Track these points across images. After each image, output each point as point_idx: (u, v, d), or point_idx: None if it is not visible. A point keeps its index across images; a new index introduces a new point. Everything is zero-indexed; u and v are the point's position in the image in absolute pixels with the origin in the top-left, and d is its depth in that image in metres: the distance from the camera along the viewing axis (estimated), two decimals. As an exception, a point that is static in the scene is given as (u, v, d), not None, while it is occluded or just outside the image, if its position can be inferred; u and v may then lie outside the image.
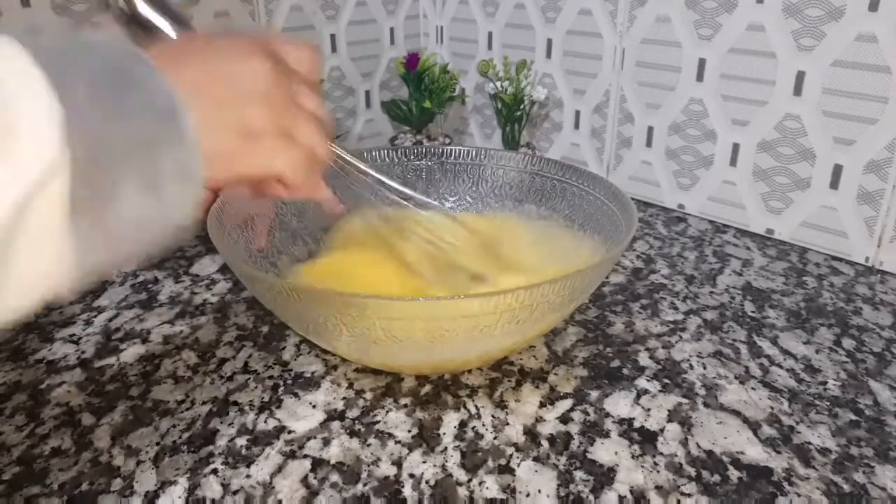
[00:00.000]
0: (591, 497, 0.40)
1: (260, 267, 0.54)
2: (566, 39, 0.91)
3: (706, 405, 0.48)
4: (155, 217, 0.29)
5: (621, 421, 0.47)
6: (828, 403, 0.49)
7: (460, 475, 0.42)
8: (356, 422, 0.46)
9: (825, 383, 0.51)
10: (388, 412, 0.47)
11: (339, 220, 0.63)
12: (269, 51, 0.36)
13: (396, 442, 0.45)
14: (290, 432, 0.45)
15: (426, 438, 0.45)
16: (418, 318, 0.42)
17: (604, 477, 0.42)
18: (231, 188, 0.43)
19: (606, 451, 0.44)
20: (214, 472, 0.42)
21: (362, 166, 0.54)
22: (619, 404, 0.48)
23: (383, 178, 0.56)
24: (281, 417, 0.47)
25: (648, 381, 0.51)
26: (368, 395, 0.49)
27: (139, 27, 0.46)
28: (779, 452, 0.44)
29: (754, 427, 0.46)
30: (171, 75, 0.29)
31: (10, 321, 0.26)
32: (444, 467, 0.42)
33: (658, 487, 0.41)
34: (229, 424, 0.46)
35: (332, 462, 0.43)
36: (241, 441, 0.45)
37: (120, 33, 0.44)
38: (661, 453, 0.44)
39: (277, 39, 0.39)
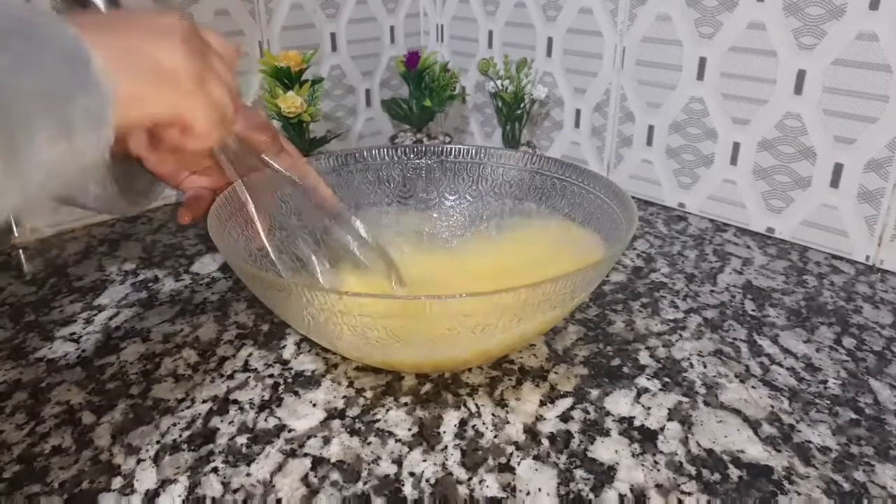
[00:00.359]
0: (592, 495, 0.40)
1: (260, 266, 0.54)
2: (567, 38, 0.91)
3: (706, 404, 0.48)
4: (67, 161, 0.30)
5: (621, 419, 0.47)
6: (828, 402, 0.49)
7: (460, 474, 0.42)
8: (356, 420, 0.46)
9: (825, 382, 0.51)
10: (388, 411, 0.47)
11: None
12: (189, 23, 0.37)
13: (397, 440, 0.45)
14: (290, 431, 0.45)
15: (426, 437, 0.45)
16: (420, 318, 0.42)
17: (604, 475, 0.42)
18: (137, 131, 0.43)
19: (607, 450, 0.44)
20: (215, 470, 0.42)
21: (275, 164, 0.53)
22: (620, 403, 0.48)
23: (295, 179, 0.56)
24: (281, 416, 0.47)
25: (649, 379, 0.51)
26: (369, 394, 0.49)
27: (74, 2, 0.47)
28: (779, 451, 0.44)
29: (754, 426, 0.46)
30: (81, 28, 0.30)
31: None
32: (444, 466, 0.42)
33: (658, 486, 0.41)
34: (229, 423, 0.46)
35: (333, 460, 0.43)
36: (242, 439, 0.45)
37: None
38: (662, 452, 0.44)
39: (200, 25, 0.40)
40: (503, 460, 0.43)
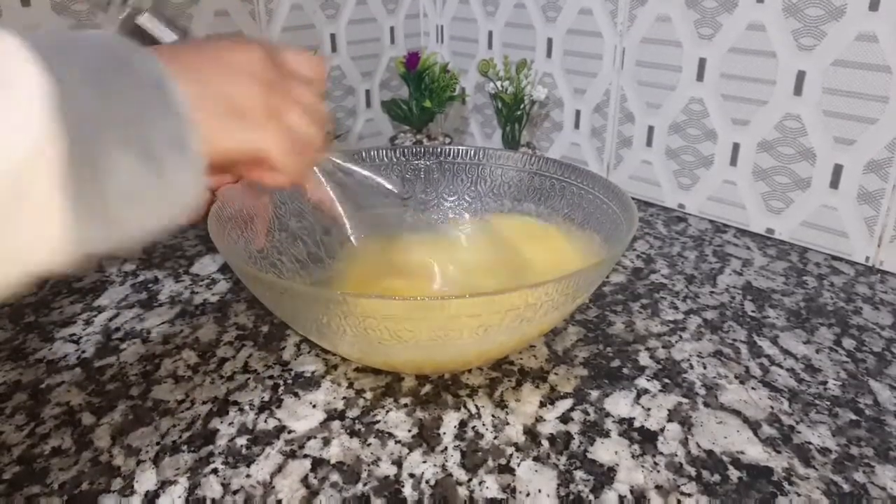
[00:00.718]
0: (591, 497, 0.40)
1: (260, 267, 0.54)
2: (566, 39, 0.91)
3: (706, 405, 0.48)
4: (155, 190, 0.29)
5: (621, 420, 0.47)
6: (828, 403, 0.49)
7: (460, 475, 0.42)
8: (356, 421, 0.46)
9: (825, 383, 0.51)
10: (388, 412, 0.47)
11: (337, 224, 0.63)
12: (267, 48, 0.37)
13: (396, 441, 0.45)
14: (290, 432, 0.45)
15: (426, 438, 0.45)
16: (423, 319, 0.42)
17: (604, 477, 0.42)
18: (219, 172, 0.43)
19: (606, 451, 0.44)
20: (214, 471, 0.42)
21: (362, 171, 0.53)
22: (620, 404, 0.48)
23: (382, 182, 0.56)
24: (281, 417, 0.47)
25: (648, 380, 0.51)
26: (368, 395, 0.49)
27: (140, 38, 0.46)
28: (779, 452, 0.44)
29: (754, 427, 0.46)
30: (164, 59, 0.30)
31: (4, 293, 0.26)
32: (444, 467, 0.42)
33: (658, 487, 0.41)
34: (229, 424, 0.46)
35: (333, 462, 0.43)
36: (242, 441, 0.45)
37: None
38: (662, 453, 0.44)
39: (283, 46, 0.39)
40: (503, 461, 0.43)
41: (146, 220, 0.30)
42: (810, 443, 0.45)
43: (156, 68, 0.30)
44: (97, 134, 0.26)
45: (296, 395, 0.49)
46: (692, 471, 0.42)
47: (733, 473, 0.42)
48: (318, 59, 0.42)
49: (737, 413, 0.48)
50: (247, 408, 0.48)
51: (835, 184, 0.70)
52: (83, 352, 0.55)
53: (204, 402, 0.48)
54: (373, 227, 0.61)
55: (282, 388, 0.50)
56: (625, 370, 0.52)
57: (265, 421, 0.46)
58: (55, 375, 0.51)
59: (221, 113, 0.33)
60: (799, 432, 0.46)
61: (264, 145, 0.36)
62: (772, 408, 0.48)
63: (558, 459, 0.43)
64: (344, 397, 0.49)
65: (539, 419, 0.47)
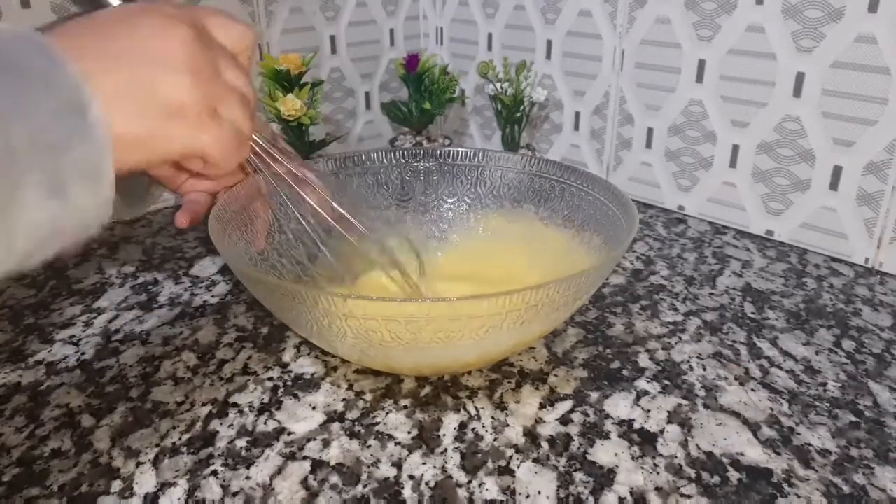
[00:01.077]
0: (591, 498, 0.40)
1: (260, 269, 0.54)
2: (566, 41, 0.91)
3: (706, 406, 0.48)
4: (61, 220, 0.27)
5: (621, 422, 0.47)
6: (827, 405, 0.49)
7: (460, 477, 0.42)
8: (356, 423, 0.46)
9: (825, 384, 0.51)
10: (387, 413, 0.47)
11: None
12: (192, 22, 0.34)
13: (396, 443, 0.45)
14: (289, 434, 0.45)
15: (426, 440, 0.45)
16: (424, 320, 0.42)
17: (604, 478, 0.42)
18: (150, 168, 0.40)
19: (606, 453, 0.44)
20: (214, 473, 0.42)
21: (284, 161, 0.51)
22: (619, 406, 0.48)
23: (314, 178, 0.54)
24: (281, 419, 0.47)
25: (648, 382, 0.51)
26: (368, 397, 0.49)
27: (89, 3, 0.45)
28: (778, 454, 0.44)
29: (754, 428, 0.46)
30: (79, 60, 0.28)
31: None
32: (443, 469, 0.42)
33: (658, 489, 0.41)
34: (229, 426, 0.46)
35: (332, 463, 0.43)
36: (241, 442, 0.45)
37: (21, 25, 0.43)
38: (661, 454, 0.44)
39: (209, 12, 0.36)
40: (503, 463, 0.43)
41: (47, 244, 0.28)
42: (810, 444, 0.45)
43: (71, 82, 0.27)
44: (2, 163, 0.24)
45: (295, 396, 0.49)
46: (692, 472, 0.42)
47: (733, 475, 0.42)
48: (245, 27, 0.39)
49: (736, 415, 0.48)
50: (246, 409, 0.48)
51: (834, 185, 0.70)
52: (83, 354, 0.55)
53: (203, 404, 0.48)
54: (372, 228, 0.61)
55: (281, 389, 0.50)
56: (624, 372, 0.52)
57: (265, 423, 0.46)
58: (55, 377, 0.51)
59: (153, 117, 0.31)
60: (799, 434, 0.46)
61: (204, 146, 0.34)
62: (771, 409, 0.48)
63: (558, 461, 0.43)
64: (343, 399, 0.49)
65: (539, 421, 0.47)
